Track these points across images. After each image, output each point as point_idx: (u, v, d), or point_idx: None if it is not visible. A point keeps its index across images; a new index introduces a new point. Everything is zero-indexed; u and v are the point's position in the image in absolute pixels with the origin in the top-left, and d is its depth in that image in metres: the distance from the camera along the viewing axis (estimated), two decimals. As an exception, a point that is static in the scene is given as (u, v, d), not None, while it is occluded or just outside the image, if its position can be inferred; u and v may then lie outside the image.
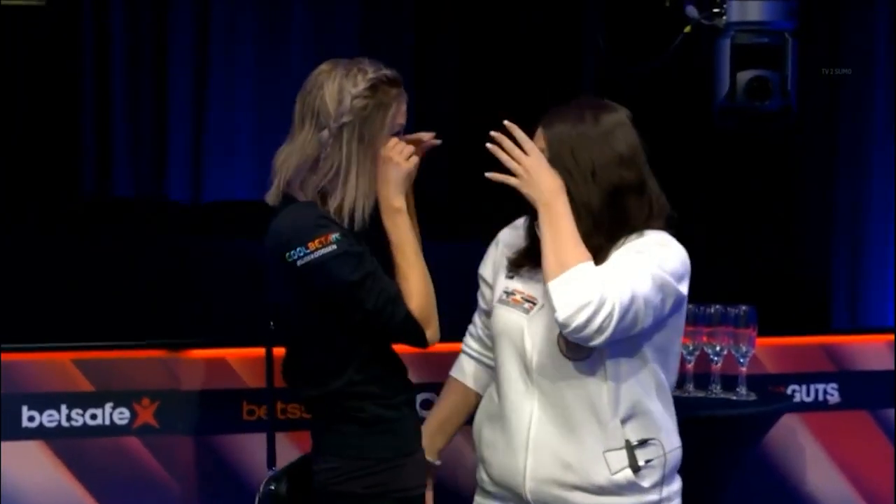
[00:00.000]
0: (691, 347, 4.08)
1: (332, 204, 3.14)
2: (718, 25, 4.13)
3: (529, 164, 3.02)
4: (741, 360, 4.08)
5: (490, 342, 3.29)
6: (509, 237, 3.30)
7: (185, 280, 5.72)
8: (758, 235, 6.08)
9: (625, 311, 2.94)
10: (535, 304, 3.16)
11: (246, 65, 7.08)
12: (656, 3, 4.21)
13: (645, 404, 3.11)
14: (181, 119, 6.99)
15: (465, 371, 3.39)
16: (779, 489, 4.66)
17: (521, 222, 3.27)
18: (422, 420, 3.35)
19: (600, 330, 2.93)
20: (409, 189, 3.26)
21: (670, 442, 3.16)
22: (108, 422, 4.07)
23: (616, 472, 3.08)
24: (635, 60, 4.25)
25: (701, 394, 4.09)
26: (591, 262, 2.98)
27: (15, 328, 4.30)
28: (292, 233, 3.10)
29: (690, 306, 3.99)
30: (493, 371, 3.27)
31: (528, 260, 3.19)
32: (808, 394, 4.67)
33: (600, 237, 3.06)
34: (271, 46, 7.06)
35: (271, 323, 3.34)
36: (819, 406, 4.68)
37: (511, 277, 3.22)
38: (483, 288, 3.34)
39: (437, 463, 3.37)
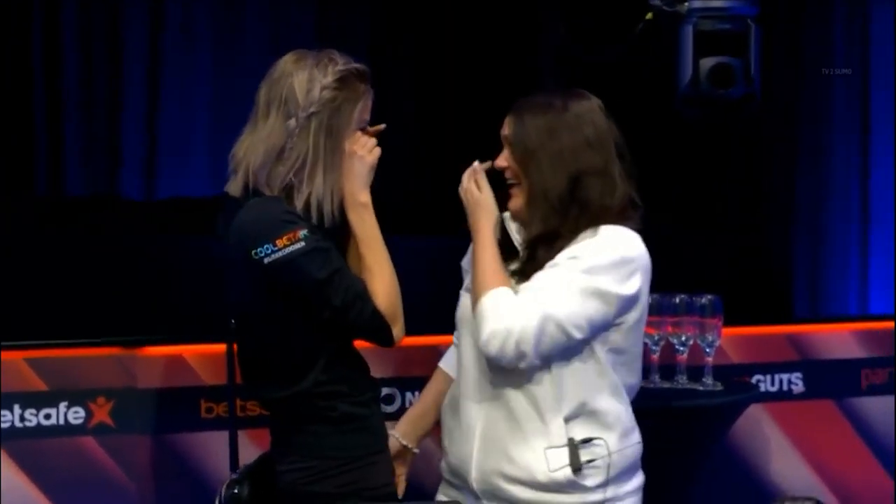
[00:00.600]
0: (656, 337, 4.05)
1: (299, 199, 3.08)
2: (681, 12, 4.09)
3: (475, 198, 3.13)
4: (707, 350, 4.05)
5: None
6: None
7: (140, 277, 5.64)
8: (721, 224, 6.05)
9: (539, 335, 2.99)
10: None
11: (201, 62, 7.01)
12: (618, -11, 4.17)
13: (593, 404, 3.10)
14: (135, 117, 6.92)
15: (450, 361, 3.40)
16: (744, 479, 4.64)
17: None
18: (385, 416, 3.30)
19: (519, 356, 3.00)
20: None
21: (621, 442, 3.13)
22: (62, 421, 4.01)
23: (555, 470, 3.07)
24: (596, 48, 4.20)
25: (667, 384, 4.06)
26: (506, 289, 3.04)
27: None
28: (258, 229, 3.02)
29: (655, 296, 3.97)
30: None
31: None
32: (772, 383, 4.64)
33: (557, 221, 3.08)
34: (226, 43, 7.00)
35: (232, 321, 3.25)
36: (784, 395, 4.65)
37: None
38: (466, 279, 3.31)
39: (416, 451, 3.39)
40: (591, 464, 3.08)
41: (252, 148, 3.10)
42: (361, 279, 3.09)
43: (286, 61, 3.14)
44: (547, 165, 3.07)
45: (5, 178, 6.48)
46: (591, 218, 3.08)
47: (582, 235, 3.07)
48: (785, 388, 4.65)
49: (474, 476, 3.14)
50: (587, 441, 3.08)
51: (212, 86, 6.94)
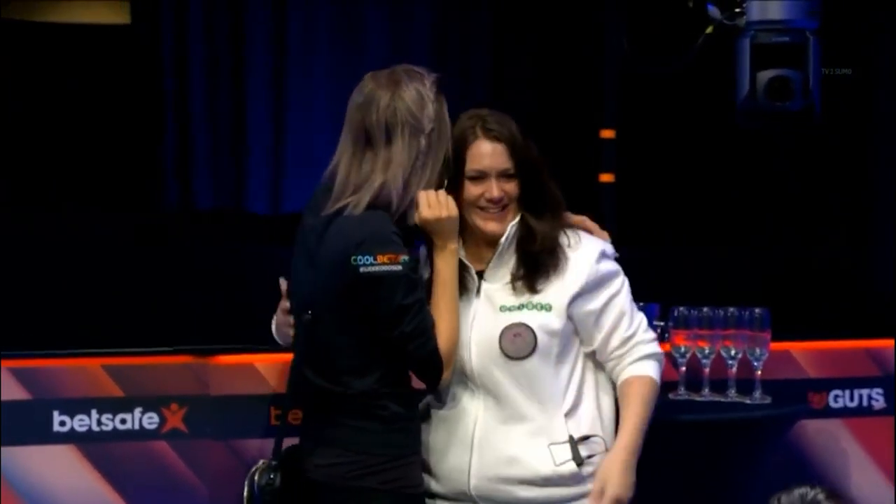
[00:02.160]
0: (707, 351, 4.05)
1: (394, 207, 3.20)
2: (739, 25, 4.09)
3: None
4: (755, 364, 4.04)
5: None
6: None
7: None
8: (824, 239, 5.97)
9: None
10: None
11: (322, 79, 7.14)
12: (679, 3, 4.18)
13: (588, 401, 3.26)
14: (260, 132, 7.08)
15: None
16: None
17: None
18: None
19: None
20: None
21: (611, 439, 3.25)
22: (137, 426, 4.16)
23: (560, 464, 3.21)
24: (658, 61, 4.23)
25: (717, 397, 4.05)
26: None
27: (48, 335, 4.41)
28: (366, 237, 3.15)
29: (706, 309, 3.99)
30: None
31: None
32: (851, 399, 4.58)
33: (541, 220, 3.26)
34: (346, 59, 7.12)
35: (308, 312, 3.30)
36: (863, 412, 4.58)
37: None
38: None
39: None
40: (590, 459, 3.22)
41: (391, 173, 3.19)
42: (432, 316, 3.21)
43: (377, 84, 3.24)
44: (544, 172, 3.27)
45: (134, 192, 6.71)
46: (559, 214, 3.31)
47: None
48: (865, 403, 4.58)
49: (473, 484, 3.25)
50: (585, 438, 3.22)
51: (334, 101, 7.08)
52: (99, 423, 4.14)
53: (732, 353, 4.03)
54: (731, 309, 4.01)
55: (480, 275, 3.31)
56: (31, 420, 4.07)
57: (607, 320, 3.27)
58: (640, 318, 3.33)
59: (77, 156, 6.44)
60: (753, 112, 4.08)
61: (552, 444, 3.22)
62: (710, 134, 5.07)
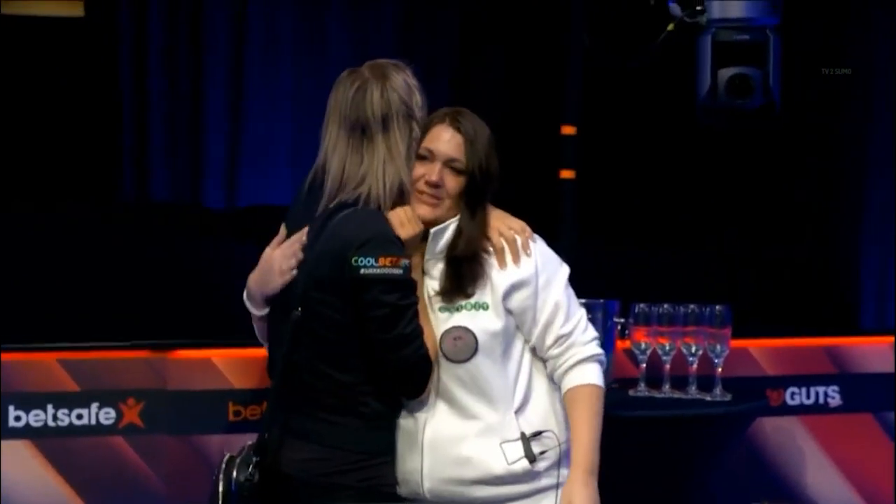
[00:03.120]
0: (667, 347, 4.06)
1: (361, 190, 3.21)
2: (701, 23, 4.09)
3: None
4: (716, 361, 4.05)
5: None
6: None
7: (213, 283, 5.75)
8: (790, 236, 6.00)
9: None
10: None
11: (283, 71, 7.10)
12: (641, 0, 4.19)
13: (538, 395, 3.25)
14: (217, 125, 7.03)
15: None
16: (779, 492, 4.60)
17: None
18: None
19: None
20: None
21: (564, 434, 3.24)
22: (93, 421, 4.14)
23: (513, 462, 3.19)
24: (620, 57, 4.23)
25: (677, 394, 4.06)
26: None
27: (2, 329, 4.37)
28: (369, 239, 3.16)
29: (666, 306, 4.00)
30: None
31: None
32: (808, 396, 4.61)
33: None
34: (309, 48, 7.07)
35: (298, 309, 3.26)
36: (820, 409, 4.61)
37: None
38: None
39: None
40: (544, 455, 3.21)
41: (396, 161, 3.23)
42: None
43: (365, 77, 3.27)
44: (490, 172, 3.26)
45: (91, 182, 6.65)
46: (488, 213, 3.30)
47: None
48: (821, 401, 4.61)
49: (426, 486, 3.24)
50: (537, 434, 3.21)
51: (294, 92, 7.04)
52: (55, 418, 4.12)
53: (693, 349, 4.04)
54: (692, 306, 4.02)
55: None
56: (-12, 414, 4.05)
57: (542, 314, 3.23)
58: (580, 316, 3.27)
59: (31, 148, 6.39)
60: (714, 109, 4.09)
61: (504, 442, 3.20)
62: (671, 131, 5.08)
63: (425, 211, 3.23)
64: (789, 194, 5.86)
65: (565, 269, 3.28)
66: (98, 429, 4.13)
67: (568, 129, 4.46)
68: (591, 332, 3.27)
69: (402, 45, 7.03)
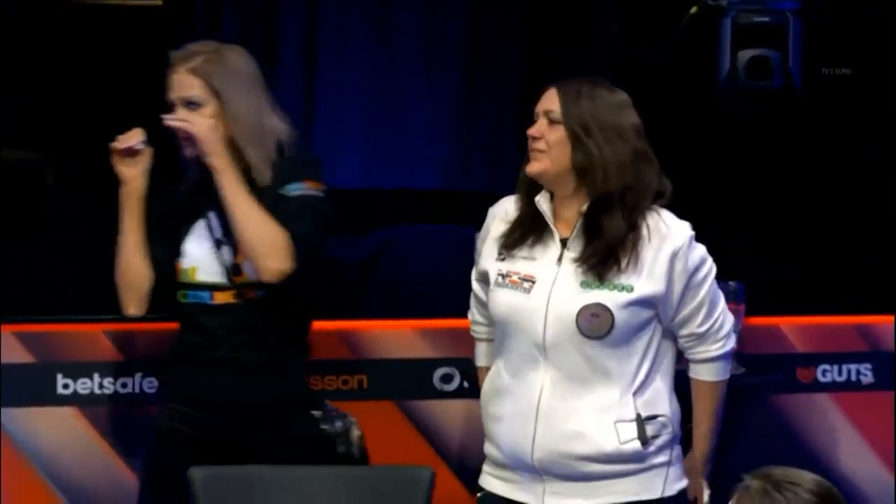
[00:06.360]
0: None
1: None
2: (722, 5, 4.16)
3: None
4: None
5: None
6: (501, 214, 3.41)
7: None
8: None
9: None
10: (534, 282, 3.28)
11: (355, 59, 7.21)
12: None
13: (660, 381, 3.30)
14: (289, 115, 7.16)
15: (484, 356, 3.54)
16: (811, 470, 4.62)
17: (510, 199, 3.40)
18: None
19: None
20: None
21: (678, 422, 3.33)
22: (137, 390, 4.32)
23: (625, 442, 3.23)
24: (645, 43, 4.31)
25: (688, 367, 4.11)
26: None
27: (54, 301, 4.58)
28: None
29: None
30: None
31: (521, 240, 3.33)
32: (839, 373, 4.64)
33: (624, 200, 3.24)
34: (379, 37, 7.17)
35: None
36: (852, 386, 4.64)
37: (502, 259, 3.35)
38: (480, 263, 3.45)
39: None
40: (656, 440, 3.26)
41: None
42: None
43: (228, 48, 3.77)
44: (615, 137, 3.22)
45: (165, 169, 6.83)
46: (646, 197, 3.25)
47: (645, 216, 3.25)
48: (853, 378, 4.64)
49: (537, 456, 3.25)
50: (653, 417, 3.26)
51: (364, 82, 7.16)
52: (101, 386, 4.30)
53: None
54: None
55: (564, 242, 3.29)
56: (35, 383, 4.24)
57: (683, 310, 3.27)
58: (720, 310, 3.31)
59: (108, 136, 6.59)
60: (735, 92, 4.15)
61: (619, 421, 3.22)
62: (695, 116, 5.10)
63: (530, 166, 3.28)
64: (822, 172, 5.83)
65: (713, 268, 3.33)
66: (142, 397, 4.31)
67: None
68: (727, 328, 3.35)
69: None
